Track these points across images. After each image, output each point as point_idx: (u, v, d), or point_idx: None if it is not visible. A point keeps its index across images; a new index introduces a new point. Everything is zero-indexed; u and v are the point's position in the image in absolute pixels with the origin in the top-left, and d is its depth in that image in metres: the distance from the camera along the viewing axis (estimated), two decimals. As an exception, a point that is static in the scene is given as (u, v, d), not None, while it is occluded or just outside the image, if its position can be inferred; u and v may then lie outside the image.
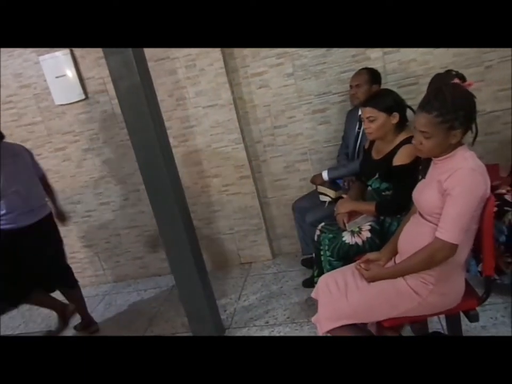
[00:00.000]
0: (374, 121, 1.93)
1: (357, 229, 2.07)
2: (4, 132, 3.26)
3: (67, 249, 3.51)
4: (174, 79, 2.93)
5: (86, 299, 3.34)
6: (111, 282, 3.56)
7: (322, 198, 2.62)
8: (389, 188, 2.01)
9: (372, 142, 2.12)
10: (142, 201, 3.24)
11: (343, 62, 2.78)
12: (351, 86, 2.59)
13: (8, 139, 3.28)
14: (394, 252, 1.68)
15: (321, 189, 2.64)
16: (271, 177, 3.12)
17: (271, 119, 2.98)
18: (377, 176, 2.01)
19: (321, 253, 2.19)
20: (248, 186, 3.08)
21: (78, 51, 3.00)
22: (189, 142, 3.05)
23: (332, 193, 2.56)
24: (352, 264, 1.77)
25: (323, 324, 1.64)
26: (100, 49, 2.41)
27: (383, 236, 2.04)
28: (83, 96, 3.08)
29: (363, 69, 2.58)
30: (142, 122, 2.04)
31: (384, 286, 1.58)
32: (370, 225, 2.07)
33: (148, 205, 3.15)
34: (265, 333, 2.38)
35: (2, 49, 3.01)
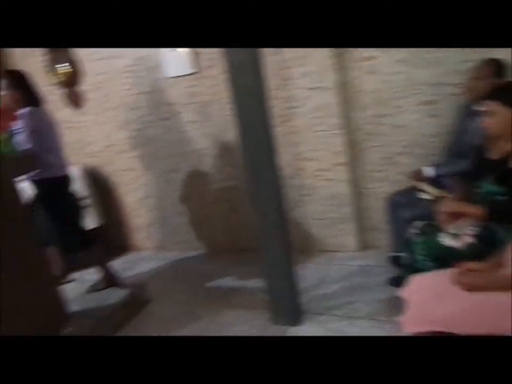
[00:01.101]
0: (495, 116, 1.76)
1: (458, 232, 1.92)
2: (116, 100, 3.54)
3: (159, 214, 3.78)
4: (280, 58, 2.92)
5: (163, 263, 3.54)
6: (198, 250, 3.73)
7: (422, 195, 2.47)
8: (503, 192, 1.82)
9: (489, 140, 1.94)
10: (236, 178, 3.32)
11: (462, 50, 2.55)
12: (470, 78, 2.38)
13: (124, 105, 3.56)
14: (502, 266, 1.53)
15: (421, 185, 2.49)
16: (368, 167, 3.01)
17: (376, 107, 2.85)
18: (490, 177, 1.84)
19: (414, 251, 2.08)
20: (343, 173, 3.00)
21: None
22: (289, 122, 3.04)
23: (433, 191, 2.40)
24: (450, 269, 1.65)
25: (409, 325, 1.56)
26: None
27: (487, 244, 1.86)
28: (194, 70, 3.20)
29: (488, 59, 2.35)
30: (249, 98, 2.07)
31: (484, 298, 1.45)
32: (474, 230, 1.90)
33: (241, 182, 3.25)
34: (344, 324, 2.34)
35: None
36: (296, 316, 2.44)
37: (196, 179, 3.53)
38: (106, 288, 3.01)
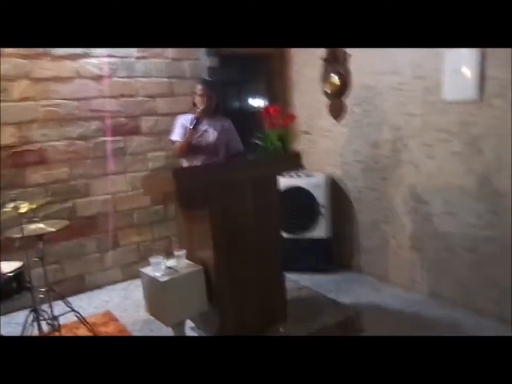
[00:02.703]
0: None
1: None
2: (379, 117, 3.42)
3: (394, 243, 3.51)
4: None
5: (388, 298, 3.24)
6: (424, 295, 3.33)
7: None
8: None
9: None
10: (495, 228, 2.79)
11: None
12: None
13: (384, 124, 3.43)
14: None
15: None
16: None
17: None
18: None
19: None
20: None
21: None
22: None
23: None
24: None
25: None
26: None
27: None
28: (474, 97, 2.82)
29: None
30: None
31: None
32: None
33: (502, 234, 2.70)
34: None
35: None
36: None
37: (445, 217, 3.12)
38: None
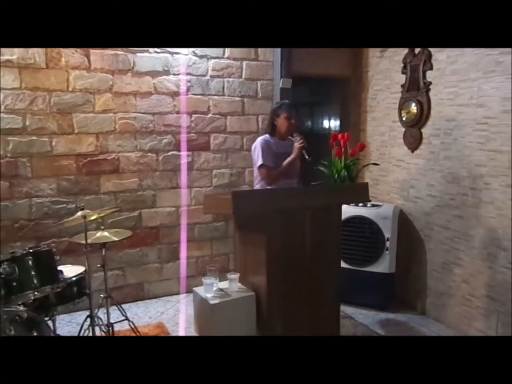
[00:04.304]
0: None
1: None
2: (464, 150, 3.15)
3: (466, 288, 3.20)
4: None
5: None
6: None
7: None
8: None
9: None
10: None
11: None
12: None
13: (463, 159, 3.16)
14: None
15: None
16: None
17: None
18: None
19: None
20: None
21: None
22: None
23: None
24: None
25: None
26: None
27: None
28: None
29: None
30: None
31: None
32: None
33: None
34: None
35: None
36: None
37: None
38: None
